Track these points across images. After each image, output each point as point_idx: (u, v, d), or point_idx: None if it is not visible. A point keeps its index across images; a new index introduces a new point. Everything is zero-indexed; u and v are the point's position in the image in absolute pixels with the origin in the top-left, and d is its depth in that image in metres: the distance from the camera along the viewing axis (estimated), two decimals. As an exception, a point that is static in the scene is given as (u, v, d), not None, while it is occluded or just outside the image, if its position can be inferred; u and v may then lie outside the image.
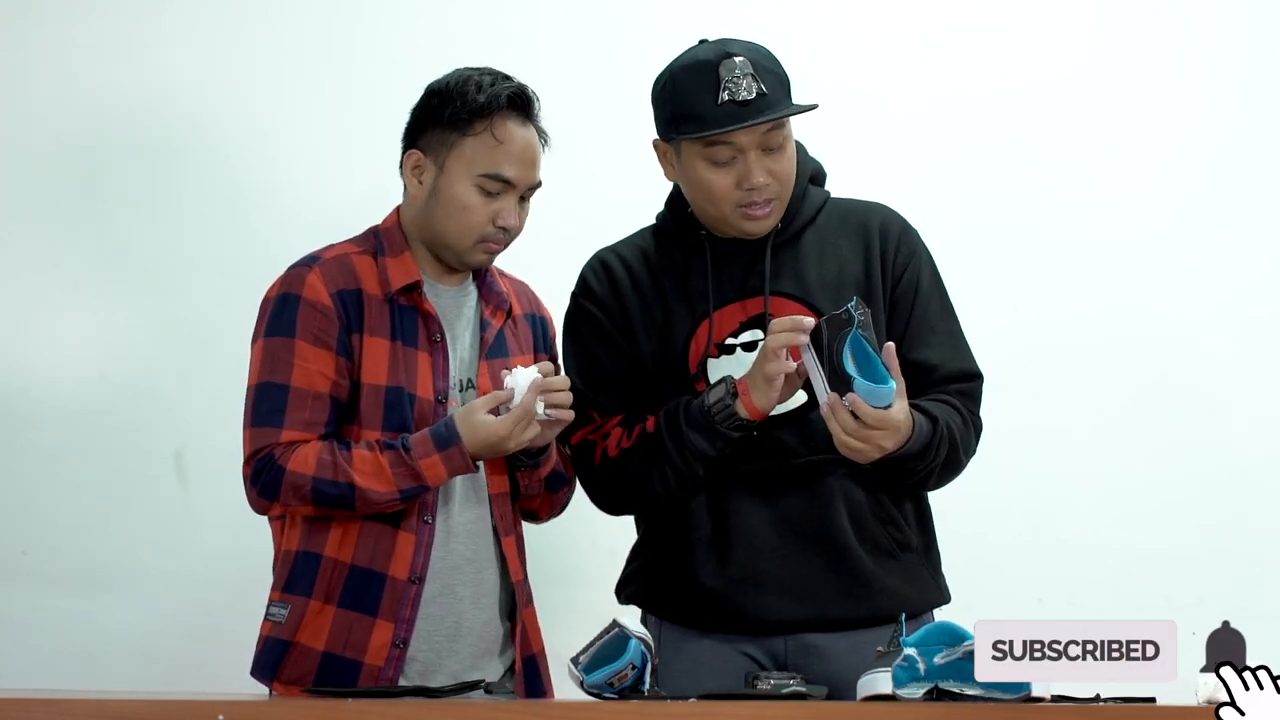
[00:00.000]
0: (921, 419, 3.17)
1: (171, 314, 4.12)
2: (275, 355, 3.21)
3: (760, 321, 3.25)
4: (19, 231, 4.12)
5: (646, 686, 2.83)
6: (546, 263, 3.41)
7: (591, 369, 3.32)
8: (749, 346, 3.25)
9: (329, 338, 3.21)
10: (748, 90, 3.17)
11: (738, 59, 3.18)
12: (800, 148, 3.31)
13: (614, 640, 2.85)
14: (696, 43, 3.25)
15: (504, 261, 3.37)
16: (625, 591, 3.37)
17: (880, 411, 3.08)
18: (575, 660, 2.87)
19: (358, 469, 3.16)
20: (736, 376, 3.19)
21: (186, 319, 4.11)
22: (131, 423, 4.08)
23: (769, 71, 3.19)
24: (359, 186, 4.03)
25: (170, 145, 4.13)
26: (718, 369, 3.26)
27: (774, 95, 3.18)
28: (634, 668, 2.82)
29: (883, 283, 3.28)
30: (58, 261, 4.11)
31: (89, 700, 2.71)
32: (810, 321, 3.11)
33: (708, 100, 3.17)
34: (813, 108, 3.20)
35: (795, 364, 3.15)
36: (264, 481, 3.19)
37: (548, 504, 3.39)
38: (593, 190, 3.91)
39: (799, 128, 3.27)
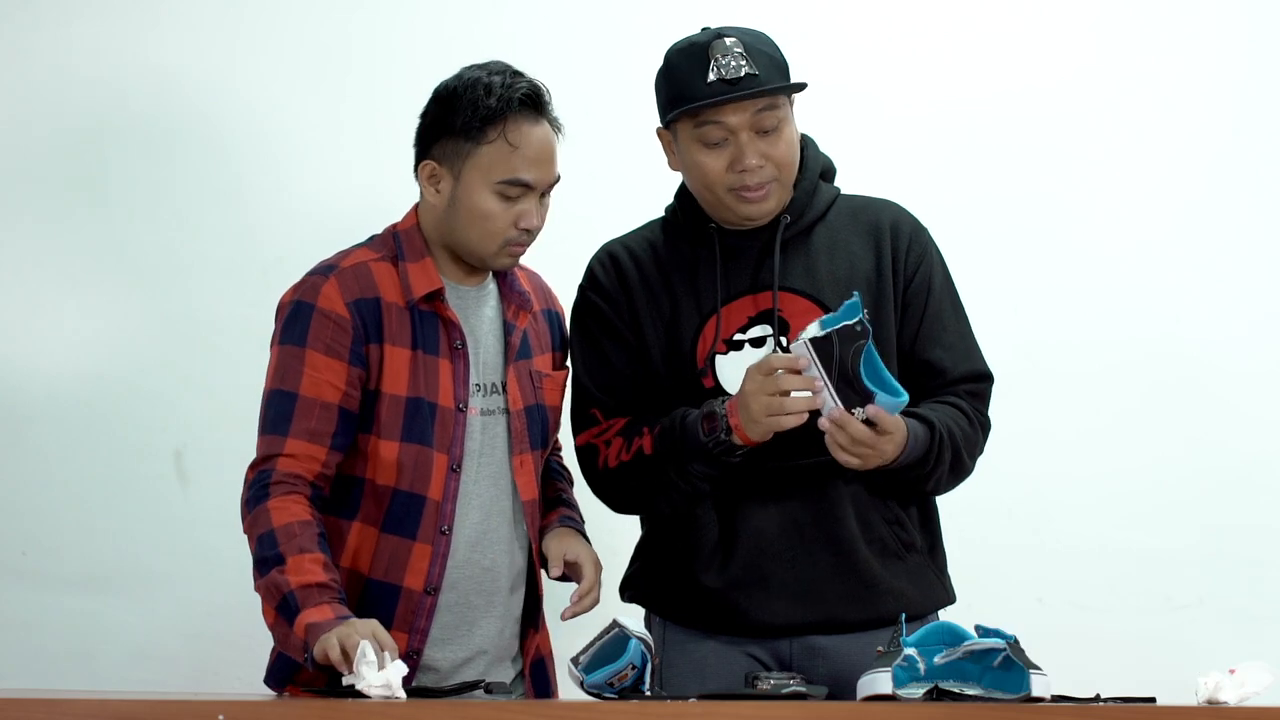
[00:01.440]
0: (917, 426, 3.15)
1: (171, 314, 4.12)
2: (286, 364, 3.18)
3: (769, 317, 3.24)
4: (18, 230, 4.11)
5: (647, 686, 2.83)
6: (545, 263, 3.41)
7: (597, 365, 3.31)
8: (757, 342, 3.23)
9: (341, 348, 3.17)
10: (737, 69, 3.16)
11: (729, 39, 3.17)
12: (811, 143, 3.31)
13: (614, 640, 2.85)
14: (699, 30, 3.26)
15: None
16: (629, 591, 3.36)
17: (895, 418, 3.08)
18: (575, 660, 2.86)
19: (299, 554, 3.05)
20: (726, 401, 3.15)
21: (186, 319, 4.11)
22: (131, 423, 4.08)
23: (762, 53, 3.18)
24: (359, 186, 4.04)
25: (170, 144, 4.12)
26: (725, 365, 3.24)
27: (766, 75, 3.17)
28: (634, 668, 2.82)
29: (894, 282, 3.27)
30: (58, 261, 4.11)
31: (89, 700, 2.71)
32: (803, 360, 3.08)
33: (698, 80, 3.17)
34: (801, 86, 3.18)
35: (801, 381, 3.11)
36: (251, 495, 3.14)
37: None
38: (593, 190, 3.90)
39: (803, 126, 3.27)
